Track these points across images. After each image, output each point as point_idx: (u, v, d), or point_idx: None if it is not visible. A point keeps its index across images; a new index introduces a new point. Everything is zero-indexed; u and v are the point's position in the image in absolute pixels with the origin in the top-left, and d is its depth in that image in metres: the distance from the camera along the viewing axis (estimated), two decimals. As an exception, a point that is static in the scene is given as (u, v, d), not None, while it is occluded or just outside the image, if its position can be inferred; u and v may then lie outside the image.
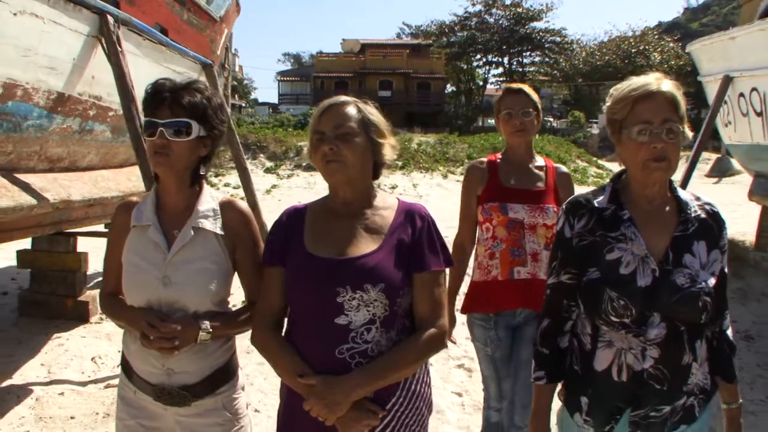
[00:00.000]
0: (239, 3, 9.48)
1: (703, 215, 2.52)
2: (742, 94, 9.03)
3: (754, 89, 8.63)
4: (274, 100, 77.06)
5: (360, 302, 2.43)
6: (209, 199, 2.77)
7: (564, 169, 4.17)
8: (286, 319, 2.67)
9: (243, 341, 2.89)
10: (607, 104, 2.54)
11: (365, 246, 2.53)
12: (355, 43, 72.50)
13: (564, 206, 2.65)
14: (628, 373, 2.44)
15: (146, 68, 5.68)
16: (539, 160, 4.15)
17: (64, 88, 4.81)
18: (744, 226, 11.39)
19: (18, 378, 6.29)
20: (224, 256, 2.73)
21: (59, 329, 7.52)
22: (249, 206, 7.41)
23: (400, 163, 25.96)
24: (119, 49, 4.90)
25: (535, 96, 4.09)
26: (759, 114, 8.56)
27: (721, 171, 32.37)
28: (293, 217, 2.68)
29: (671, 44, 66.11)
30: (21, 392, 5.97)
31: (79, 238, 8.16)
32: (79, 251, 8.03)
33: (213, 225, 2.72)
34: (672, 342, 2.41)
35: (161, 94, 2.58)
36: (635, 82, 2.45)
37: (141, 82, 4.48)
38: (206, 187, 2.81)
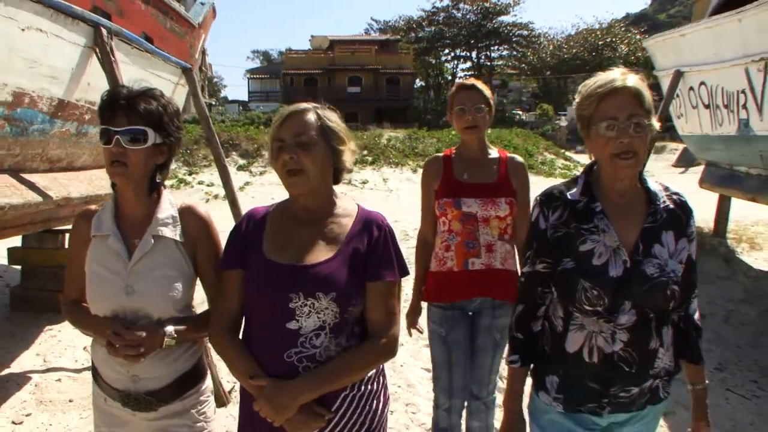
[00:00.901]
0: (215, 9, 9.83)
1: (671, 205, 2.60)
2: (691, 88, 9.40)
3: (702, 83, 9.00)
4: (244, 97, 76.39)
5: (311, 309, 2.46)
6: (168, 206, 2.78)
7: (518, 159, 4.24)
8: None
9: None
10: (576, 101, 2.59)
11: (321, 254, 2.56)
12: (324, 39, 72.11)
13: (538, 198, 2.69)
14: (598, 355, 2.52)
15: (134, 74, 6.02)
16: (493, 153, 4.22)
17: (64, 95, 5.17)
18: (707, 213, 11.82)
19: (16, 367, 6.56)
20: (185, 263, 2.75)
21: (51, 322, 7.75)
22: (229, 202, 7.92)
23: (370, 159, 26.32)
24: (112, 58, 5.29)
25: (487, 92, 4.15)
26: (707, 106, 8.95)
27: (687, 161, 33.00)
28: (253, 222, 2.70)
29: (638, 36, 65.74)
30: (20, 379, 6.25)
31: (67, 235, 8.39)
32: (67, 247, 8.23)
33: (172, 232, 2.74)
34: (641, 327, 2.50)
35: (117, 102, 2.58)
36: (601, 78, 2.49)
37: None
38: (165, 193, 2.81)
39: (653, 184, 2.60)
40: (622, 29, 70.19)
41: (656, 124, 2.47)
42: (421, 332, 4.51)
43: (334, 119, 2.62)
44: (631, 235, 2.52)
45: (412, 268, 3.37)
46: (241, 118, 40.38)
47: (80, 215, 2.83)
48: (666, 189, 2.63)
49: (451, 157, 4.18)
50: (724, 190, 9.46)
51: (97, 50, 5.33)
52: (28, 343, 7.15)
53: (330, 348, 2.49)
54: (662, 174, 28.10)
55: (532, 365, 2.78)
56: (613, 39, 67.35)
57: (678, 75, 9.51)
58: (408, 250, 6.80)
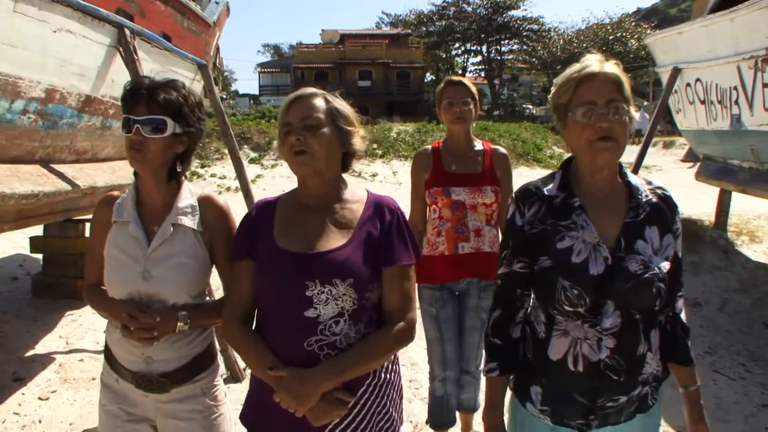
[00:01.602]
0: (229, 7, 10.16)
1: (654, 200, 2.48)
2: (688, 84, 9.63)
3: (698, 80, 9.22)
4: (254, 91, 76.31)
5: (329, 296, 2.43)
6: (188, 195, 2.81)
7: (501, 150, 4.53)
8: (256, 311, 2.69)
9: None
10: (551, 91, 2.51)
11: (334, 240, 2.53)
12: (335, 33, 72.35)
13: (514, 194, 2.62)
14: (584, 363, 2.40)
15: (154, 70, 6.39)
16: (478, 145, 4.49)
17: (91, 91, 5.54)
18: (710, 207, 12.01)
19: (40, 348, 6.89)
20: (202, 251, 2.77)
21: (71, 307, 8.07)
22: (243, 194, 8.26)
23: (380, 152, 26.41)
24: (135, 57, 5.66)
25: (473, 88, 4.42)
26: (702, 102, 9.17)
27: (695, 156, 33.00)
28: (263, 211, 2.68)
29: (648, 31, 65.40)
30: (45, 360, 6.59)
31: (87, 224, 8.60)
32: (87, 236, 8.57)
33: (191, 221, 2.76)
34: (627, 331, 2.38)
35: (138, 91, 2.63)
36: (578, 65, 2.40)
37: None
38: (185, 183, 2.84)
39: (634, 178, 2.51)
40: (633, 24, 69.39)
41: (635, 115, 2.37)
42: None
43: (343, 103, 2.63)
44: (612, 231, 2.40)
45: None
46: (252, 111, 40.53)
47: (102, 201, 2.88)
48: (649, 183, 2.54)
49: (440, 150, 4.46)
50: (717, 182, 9.67)
51: (121, 49, 5.71)
52: (50, 327, 7.45)
53: (350, 335, 2.47)
54: (671, 169, 28.21)
55: (512, 375, 2.67)
56: (624, 34, 66.49)
57: (676, 71, 9.73)
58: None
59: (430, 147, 4.52)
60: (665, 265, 2.41)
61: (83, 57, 5.27)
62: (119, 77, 5.75)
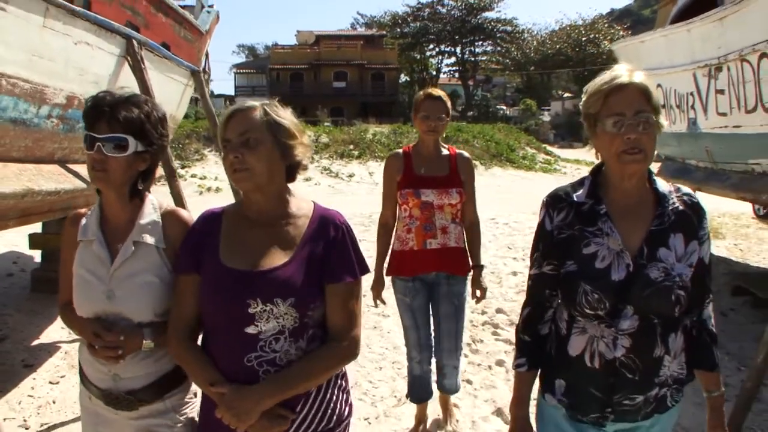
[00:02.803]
0: (219, 15, 10.63)
1: (681, 207, 2.49)
2: None
3: (659, 85, 9.55)
4: (229, 92, 76.16)
5: (270, 314, 2.40)
6: (151, 211, 2.76)
7: (465, 154, 4.91)
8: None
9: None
10: (582, 99, 2.52)
11: (276, 258, 2.49)
12: (310, 34, 72.41)
13: (545, 199, 2.63)
14: (600, 360, 2.45)
15: (154, 77, 6.91)
16: (444, 150, 4.86)
17: (103, 97, 6.05)
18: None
19: (45, 338, 7.23)
20: (166, 269, 2.70)
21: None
22: (233, 192, 8.70)
23: (356, 153, 26.85)
24: (142, 65, 6.18)
25: (449, 103, 4.80)
26: (663, 106, 9.53)
27: (659, 157, 33.65)
28: (208, 224, 2.64)
29: (621, 32, 65.00)
30: (50, 348, 6.95)
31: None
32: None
33: (154, 238, 2.71)
34: (644, 334, 2.42)
35: (100, 108, 2.56)
36: (607, 75, 2.42)
37: (153, 88, 5.87)
38: (149, 199, 2.79)
39: (663, 185, 2.52)
40: (606, 25, 69.86)
41: (664, 122, 2.43)
42: (384, 303, 5.21)
43: (284, 114, 2.55)
44: (636, 239, 2.45)
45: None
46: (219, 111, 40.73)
47: (69, 219, 2.85)
48: (677, 190, 2.55)
49: (411, 154, 4.83)
50: (675, 181, 9.99)
51: (129, 58, 6.21)
52: (52, 319, 7.70)
53: (290, 352, 2.45)
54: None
55: (539, 370, 2.72)
56: (596, 35, 66.80)
57: None
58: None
59: (401, 151, 4.89)
60: (687, 273, 2.43)
61: (98, 66, 5.75)
62: (127, 85, 6.26)
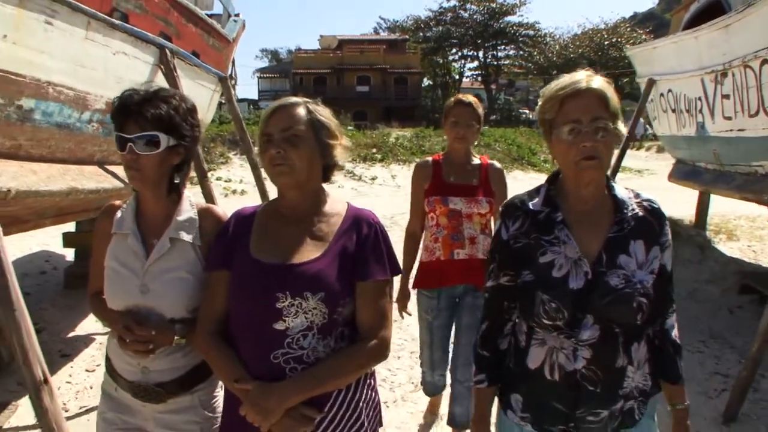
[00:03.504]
0: (245, 24, 11.05)
1: (641, 213, 2.44)
2: (662, 94, 10.39)
3: (669, 90, 9.98)
4: (252, 95, 76.34)
5: (298, 309, 2.36)
6: (188, 207, 2.75)
7: (497, 164, 4.72)
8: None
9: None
10: (538, 104, 2.44)
11: (308, 253, 2.46)
12: (333, 39, 72.45)
13: (500, 209, 2.60)
14: (560, 372, 2.38)
15: (185, 83, 7.31)
16: (476, 160, 4.68)
17: (138, 104, 6.47)
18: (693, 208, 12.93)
19: (80, 330, 7.63)
20: (200, 265, 2.68)
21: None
22: (261, 195, 9.10)
23: (379, 156, 27.02)
24: (174, 73, 6.58)
25: (480, 110, 4.58)
26: (674, 110, 9.93)
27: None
28: (241, 221, 2.62)
29: (644, 36, 64.83)
30: (86, 340, 7.34)
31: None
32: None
33: (190, 236, 2.70)
34: (605, 344, 2.35)
35: (127, 108, 2.54)
36: (564, 79, 2.35)
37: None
38: (185, 195, 2.78)
39: (621, 192, 2.47)
40: (628, 29, 69.32)
41: (623, 129, 2.34)
42: (410, 315, 5.06)
43: (325, 114, 2.55)
44: (595, 246, 2.37)
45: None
46: (252, 116, 41.26)
47: (103, 212, 2.84)
48: (637, 196, 2.50)
49: (440, 162, 4.67)
50: (686, 183, 10.36)
51: (162, 67, 6.62)
52: (86, 313, 8.02)
53: (318, 349, 2.40)
54: (665, 172, 28.78)
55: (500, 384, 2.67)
56: (619, 39, 66.31)
57: (651, 82, 10.52)
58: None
59: (431, 159, 4.73)
60: (649, 279, 2.37)
61: (134, 74, 6.15)
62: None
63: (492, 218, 4.58)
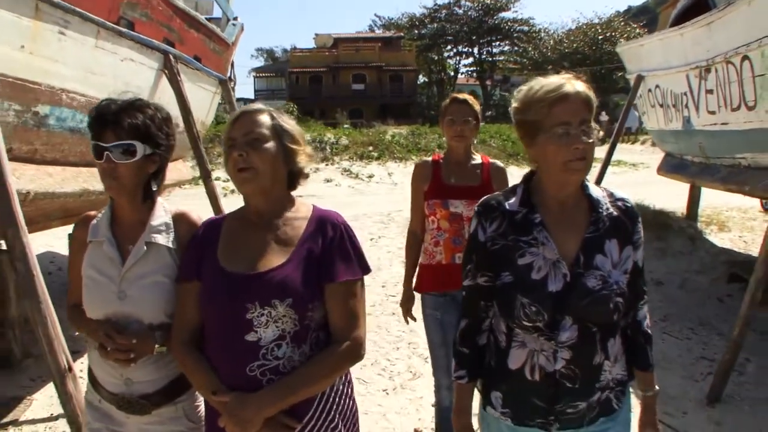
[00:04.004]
0: (243, 26, 11.29)
1: (615, 212, 2.47)
2: (650, 90, 10.65)
3: (657, 86, 10.24)
4: (249, 95, 76.07)
5: (268, 318, 2.36)
6: (162, 213, 2.75)
7: (499, 164, 4.52)
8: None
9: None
10: (515, 106, 2.47)
11: (274, 259, 2.45)
12: (328, 37, 72.67)
13: (476, 209, 2.59)
14: (540, 373, 2.42)
15: (188, 87, 7.57)
16: (477, 159, 4.48)
17: (144, 108, 6.76)
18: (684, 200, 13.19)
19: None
20: (177, 270, 2.67)
21: None
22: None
23: (375, 154, 27.07)
24: (178, 77, 6.87)
25: (476, 106, 4.41)
26: (662, 105, 10.19)
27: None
28: (209, 230, 2.62)
29: (638, 30, 64.68)
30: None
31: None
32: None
33: (165, 239, 2.70)
34: (583, 343, 2.39)
35: (104, 117, 2.55)
36: (548, 83, 2.37)
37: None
38: (159, 200, 2.78)
39: (595, 191, 2.50)
40: (622, 23, 69.47)
41: (600, 133, 2.42)
42: (415, 320, 4.80)
43: (289, 121, 2.58)
44: (572, 246, 2.41)
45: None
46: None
47: (79, 221, 2.85)
48: (611, 195, 2.53)
49: (440, 162, 4.49)
50: (673, 176, 10.62)
51: (166, 72, 6.90)
52: None
53: (293, 358, 2.40)
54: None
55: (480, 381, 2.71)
56: (613, 33, 66.18)
57: (639, 78, 10.77)
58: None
59: (430, 159, 4.57)
60: (624, 279, 2.42)
61: (140, 79, 6.45)
62: (164, 95, 6.96)
63: None
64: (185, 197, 17.15)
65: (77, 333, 2.89)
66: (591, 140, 2.31)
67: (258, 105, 2.59)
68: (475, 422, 2.74)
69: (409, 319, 4.78)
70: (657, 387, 2.68)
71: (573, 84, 2.34)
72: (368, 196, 20.64)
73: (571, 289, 2.35)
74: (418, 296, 4.66)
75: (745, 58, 6.80)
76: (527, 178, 2.56)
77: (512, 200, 2.50)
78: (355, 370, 6.63)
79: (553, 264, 2.38)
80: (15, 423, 5.58)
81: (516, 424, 2.54)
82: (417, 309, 4.71)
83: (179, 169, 8.15)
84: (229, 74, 11.00)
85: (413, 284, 4.66)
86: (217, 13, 10.81)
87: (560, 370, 2.39)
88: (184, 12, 7.86)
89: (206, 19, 9.35)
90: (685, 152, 10.02)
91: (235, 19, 11.03)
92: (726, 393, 5.86)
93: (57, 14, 4.90)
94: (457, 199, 4.32)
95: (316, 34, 75.81)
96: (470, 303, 2.62)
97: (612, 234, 2.44)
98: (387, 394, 6.16)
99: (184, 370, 2.58)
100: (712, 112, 8.09)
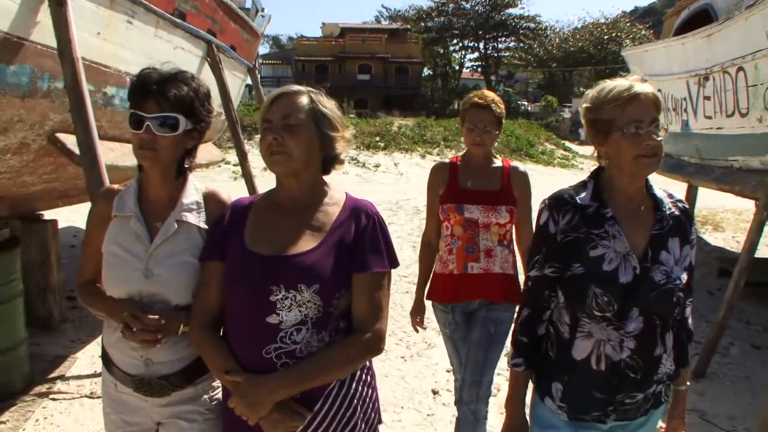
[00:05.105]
0: (270, 18, 11.89)
1: (676, 212, 2.55)
2: None
3: (659, 90, 10.02)
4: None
5: (293, 302, 2.30)
6: (193, 191, 2.65)
7: (521, 168, 4.21)
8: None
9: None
10: (587, 106, 2.53)
11: (304, 244, 2.38)
12: (335, 27, 73.19)
13: (547, 202, 2.59)
14: (606, 362, 2.46)
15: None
16: (497, 162, 4.21)
17: (189, 92, 7.36)
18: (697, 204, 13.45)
19: None
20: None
21: None
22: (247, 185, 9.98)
23: (382, 144, 27.49)
24: (220, 66, 7.48)
25: (500, 110, 4.08)
26: (663, 109, 10.67)
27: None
28: (237, 212, 2.55)
29: (643, 31, 66.05)
30: None
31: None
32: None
33: (196, 218, 2.60)
34: (647, 334, 2.45)
35: (148, 87, 2.45)
36: (620, 84, 2.43)
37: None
38: (190, 178, 2.69)
39: (659, 191, 2.58)
40: (627, 24, 70.06)
41: (666, 131, 2.45)
42: (425, 329, 4.70)
43: (328, 105, 2.47)
44: (641, 242, 2.48)
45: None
46: (254, 102, 41.71)
47: (101, 194, 2.75)
48: (670, 196, 2.61)
49: (457, 165, 4.23)
50: (671, 175, 10.89)
51: (209, 59, 7.51)
52: None
53: (312, 344, 2.33)
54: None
55: (536, 372, 2.73)
56: (618, 34, 66.99)
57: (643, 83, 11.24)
58: (421, 222, 8.27)
59: (447, 161, 4.32)
60: (684, 276, 2.51)
61: (188, 66, 6.90)
62: (206, 81, 7.56)
63: (514, 228, 4.17)
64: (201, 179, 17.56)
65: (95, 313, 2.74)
66: (660, 138, 2.38)
67: (297, 86, 2.49)
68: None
69: (418, 327, 4.58)
70: (689, 383, 2.81)
71: (642, 86, 2.42)
72: (375, 185, 21.23)
73: (640, 282, 2.43)
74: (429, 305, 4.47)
75: (740, 69, 7.34)
76: (595, 174, 2.62)
77: (583, 194, 2.55)
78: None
79: (623, 257, 2.45)
80: (62, 378, 6.08)
81: (571, 419, 2.59)
82: (427, 317, 4.60)
83: (210, 150, 8.75)
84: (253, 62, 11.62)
85: (425, 293, 4.44)
86: (247, 3, 11.38)
87: (625, 360, 2.46)
88: (225, 5, 8.44)
89: (240, 9, 9.94)
90: (682, 153, 10.50)
91: (263, 10, 11.63)
92: (710, 371, 6.53)
93: (126, 5, 5.48)
94: (473, 204, 4.07)
95: (324, 23, 76.42)
96: (535, 293, 2.65)
97: (674, 232, 2.53)
98: (405, 360, 6.75)
99: (199, 349, 2.51)
100: (709, 117, 8.61)
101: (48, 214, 7.22)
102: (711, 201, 14.26)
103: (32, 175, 5.35)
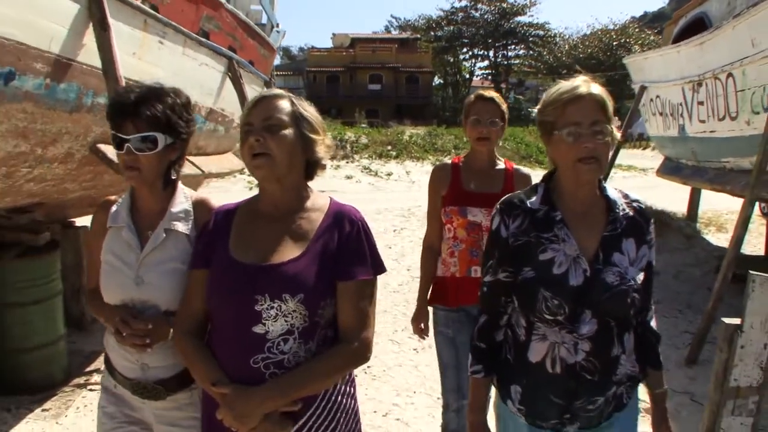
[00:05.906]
0: (285, 33, 12.45)
1: (631, 213, 2.52)
2: (651, 99, 11.62)
3: (657, 96, 11.21)
4: None
5: (278, 312, 2.29)
6: (182, 200, 2.71)
7: (524, 170, 4.16)
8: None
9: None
10: (537, 107, 2.51)
11: (288, 252, 2.38)
12: (345, 37, 73.50)
13: (498, 206, 2.59)
14: (561, 365, 2.44)
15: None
16: (500, 164, 4.15)
17: (212, 105, 7.83)
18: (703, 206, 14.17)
19: None
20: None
21: None
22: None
23: (394, 153, 27.70)
24: (240, 81, 7.99)
25: (504, 106, 4.06)
26: (661, 114, 11.15)
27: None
28: (221, 219, 2.55)
29: (652, 37, 64.57)
30: None
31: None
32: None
33: (185, 226, 2.66)
34: (602, 336, 2.42)
35: (124, 108, 2.51)
36: (565, 85, 2.41)
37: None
38: (180, 187, 2.75)
39: (612, 192, 2.54)
40: (636, 30, 69.99)
41: (617, 133, 2.43)
42: (427, 337, 4.47)
43: (309, 108, 2.47)
44: (591, 244, 2.45)
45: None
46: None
47: (100, 206, 2.81)
48: (626, 196, 2.58)
49: (459, 166, 4.16)
50: (670, 177, 11.55)
51: (230, 74, 8.02)
52: None
53: (299, 354, 2.33)
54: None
55: (495, 375, 2.70)
56: (627, 39, 66.93)
57: (642, 89, 11.75)
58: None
59: (449, 162, 4.24)
60: (640, 276, 2.47)
61: (210, 81, 7.54)
62: (227, 95, 8.10)
63: None
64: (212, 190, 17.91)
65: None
66: (602, 141, 2.34)
67: (277, 90, 2.51)
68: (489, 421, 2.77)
69: (422, 336, 4.45)
70: (666, 386, 2.74)
71: (588, 86, 2.39)
72: (387, 193, 21.38)
73: (591, 284, 2.39)
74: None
75: (730, 75, 7.82)
76: (547, 177, 2.60)
77: (533, 198, 2.54)
78: (389, 333, 7.82)
79: (573, 260, 2.42)
80: (98, 371, 6.48)
81: (530, 423, 2.58)
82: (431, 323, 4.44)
83: (230, 159, 9.24)
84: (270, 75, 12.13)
85: (427, 298, 4.31)
86: (263, 19, 11.89)
87: (581, 362, 2.42)
88: (245, 23, 8.96)
89: (256, 25, 10.46)
90: (680, 156, 10.95)
91: (278, 25, 12.15)
92: (702, 358, 6.97)
93: (158, 27, 5.95)
94: (476, 207, 4.00)
95: (334, 34, 76.67)
96: (490, 299, 2.62)
97: (629, 233, 2.49)
98: (417, 352, 7.21)
99: (184, 359, 2.52)
100: (703, 121, 9.07)
101: (77, 221, 7.75)
102: (717, 203, 14.52)
103: (73, 182, 5.79)
